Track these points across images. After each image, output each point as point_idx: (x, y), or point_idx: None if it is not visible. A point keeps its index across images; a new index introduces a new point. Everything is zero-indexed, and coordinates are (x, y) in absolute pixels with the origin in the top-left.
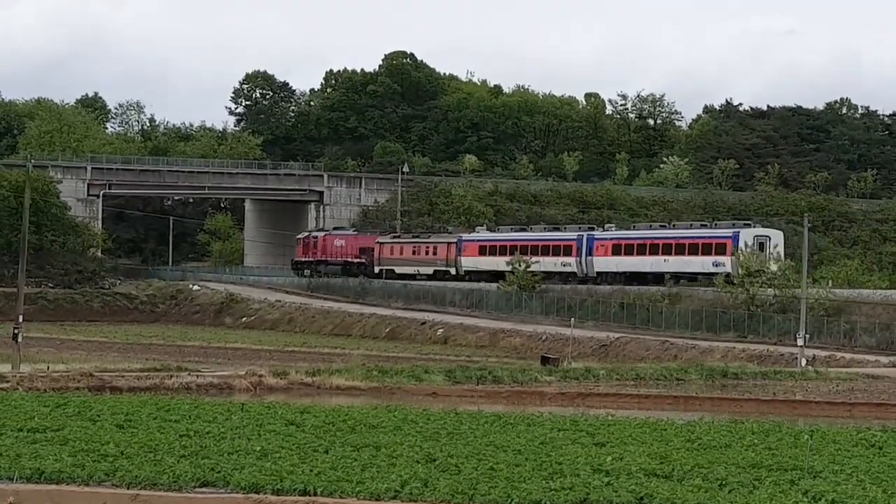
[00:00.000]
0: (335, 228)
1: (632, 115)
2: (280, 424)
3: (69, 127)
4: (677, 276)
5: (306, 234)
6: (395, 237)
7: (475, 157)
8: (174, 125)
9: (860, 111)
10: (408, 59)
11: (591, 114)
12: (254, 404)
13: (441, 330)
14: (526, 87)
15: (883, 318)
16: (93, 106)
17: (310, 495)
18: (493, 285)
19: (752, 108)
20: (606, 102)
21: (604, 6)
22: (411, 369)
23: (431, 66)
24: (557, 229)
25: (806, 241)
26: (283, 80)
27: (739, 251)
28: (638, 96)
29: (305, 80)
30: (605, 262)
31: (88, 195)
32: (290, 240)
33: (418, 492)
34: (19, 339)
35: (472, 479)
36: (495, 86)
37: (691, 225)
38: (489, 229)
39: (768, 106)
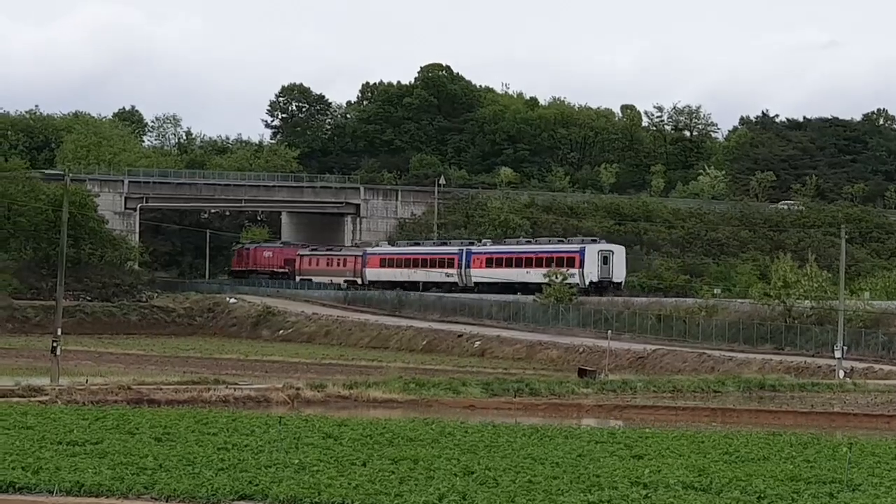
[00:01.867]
0: (265, 241)
1: (668, 127)
2: (318, 437)
3: (106, 140)
4: (538, 286)
5: (240, 245)
6: (312, 250)
7: (511, 169)
8: (210, 138)
9: None
10: (444, 72)
11: (627, 126)
12: (291, 417)
13: (478, 342)
14: (562, 99)
15: None
16: (130, 119)
17: None
18: (531, 298)
19: (788, 120)
20: (642, 114)
21: (641, 19)
22: (448, 382)
23: (467, 78)
24: (445, 244)
25: (843, 252)
26: (319, 93)
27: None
28: (674, 108)
29: (342, 92)
30: (481, 274)
31: (126, 208)
32: None
33: None
34: (58, 352)
35: (510, 492)
36: (531, 98)
37: (549, 240)
38: (390, 243)
39: (805, 117)
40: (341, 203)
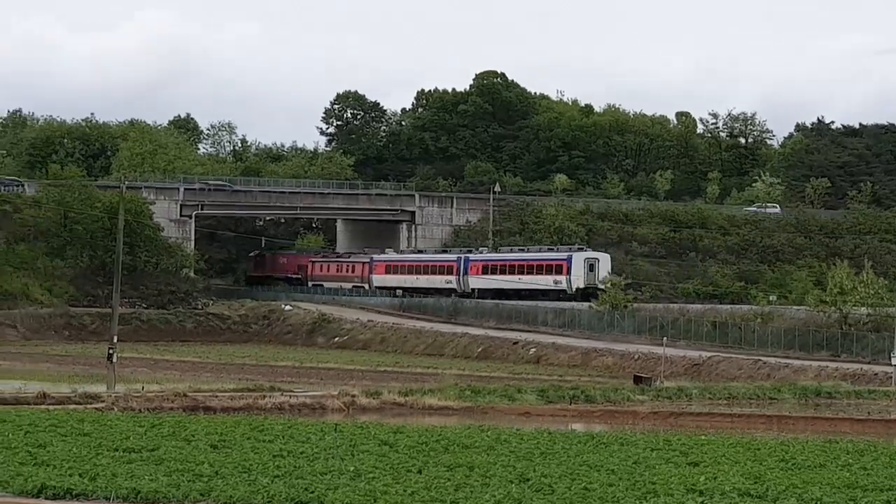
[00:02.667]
0: (281, 248)
1: (723, 134)
2: (373, 444)
3: (161, 148)
4: (530, 292)
5: (256, 253)
6: (324, 257)
7: (566, 176)
8: (265, 146)
9: None
10: (498, 79)
11: (682, 133)
12: (347, 424)
13: (533, 349)
14: (617, 106)
15: None
16: (185, 127)
17: None
18: (586, 305)
19: (844, 126)
20: (697, 121)
21: (697, 26)
22: (504, 389)
23: (522, 85)
24: (445, 252)
25: None
26: (373, 100)
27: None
28: (729, 115)
29: (397, 100)
30: (477, 281)
31: (181, 216)
32: None
33: None
34: (114, 360)
35: (565, 499)
36: (586, 105)
37: (540, 249)
38: (397, 251)
39: (861, 124)
40: (396, 210)
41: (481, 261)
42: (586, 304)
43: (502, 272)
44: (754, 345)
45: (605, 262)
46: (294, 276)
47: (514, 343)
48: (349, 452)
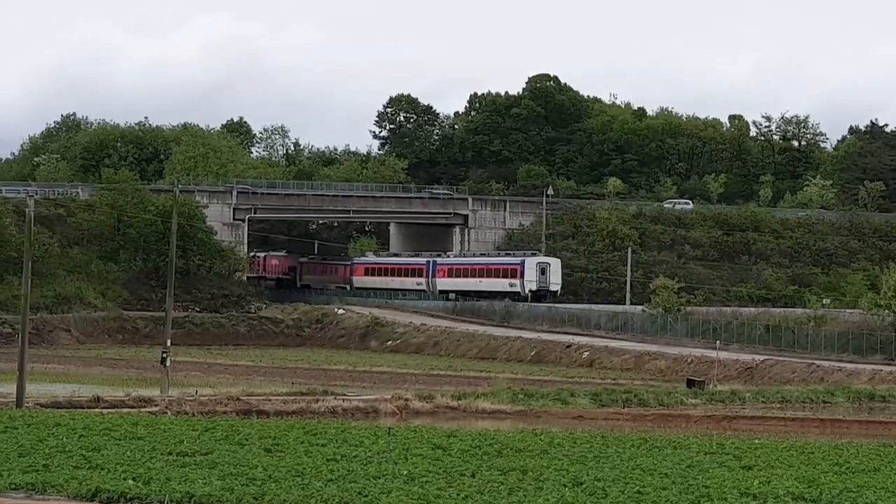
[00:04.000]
0: (272, 251)
1: (776, 137)
2: (426, 448)
3: (214, 152)
4: (490, 294)
5: (253, 254)
6: (311, 259)
7: (619, 179)
8: (318, 149)
9: None
10: (551, 82)
11: (735, 136)
12: (400, 428)
13: (586, 353)
14: (669, 109)
15: None
16: (237, 131)
17: None
18: (639, 308)
19: None
20: (750, 124)
21: (748, 30)
22: (557, 392)
23: (575, 88)
24: (418, 255)
25: None
26: (426, 104)
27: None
28: (782, 118)
29: (449, 103)
30: (444, 283)
31: (234, 219)
32: None
33: None
34: (167, 363)
35: (618, 502)
36: (639, 108)
37: (498, 254)
38: (375, 254)
39: None
40: (449, 214)
41: (447, 264)
42: (639, 308)
43: (465, 275)
44: (807, 348)
45: (556, 266)
46: (285, 276)
47: (567, 346)
48: (402, 456)
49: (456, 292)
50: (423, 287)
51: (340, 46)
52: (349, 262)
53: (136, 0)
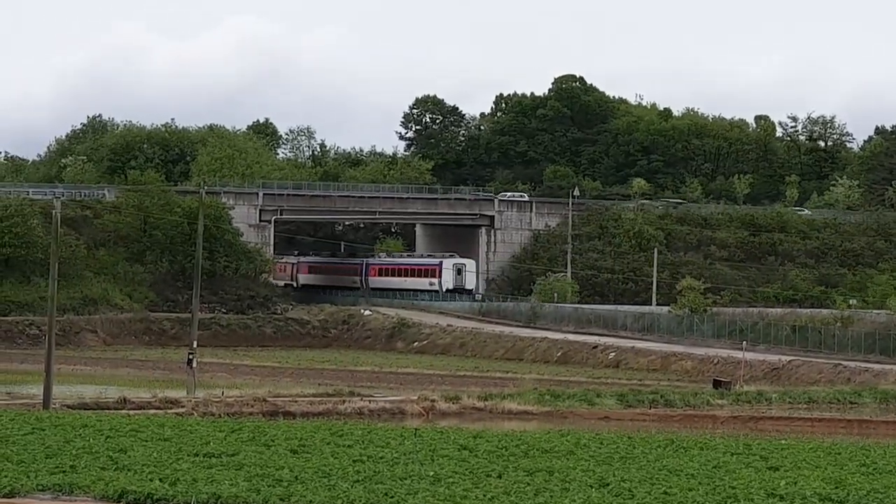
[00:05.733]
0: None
1: (802, 138)
2: (453, 449)
3: (240, 153)
4: (413, 291)
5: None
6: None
7: (645, 180)
8: (344, 150)
9: None
10: (577, 83)
11: (761, 136)
12: (426, 429)
13: (612, 353)
14: (695, 110)
15: None
16: (263, 132)
17: None
18: (665, 308)
19: None
20: (776, 125)
21: (775, 31)
22: (583, 393)
23: (601, 89)
24: (353, 256)
25: None
26: (452, 105)
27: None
28: (808, 118)
29: (475, 104)
30: (374, 281)
31: (260, 221)
32: None
33: None
34: (194, 365)
35: (645, 503)
36: (665, 109)
37: (422, 255)
38: (315, 255)
39: None
40: (475, 215)
41: (377, 264)
42: (665, 308)
43: (392, 274)
44: (834, 349)
45: (470, 266)
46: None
47: (594, 347)
48: (429, 457)
49: (385, 289)
50: (357, 284)
51: (368, 48)
52: (295, 262)
53: (170, 2)
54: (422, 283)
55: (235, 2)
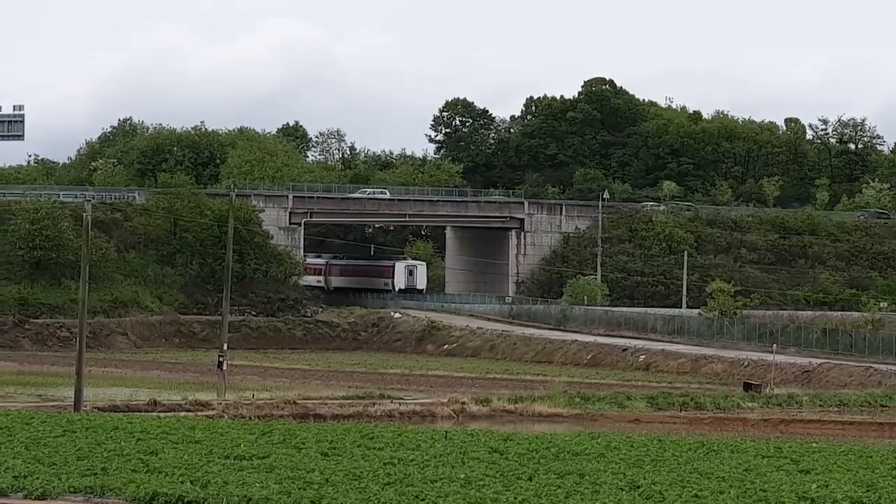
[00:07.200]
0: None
1: (832, 140)
2: (483, 452)
3: (270, 156)
4: (369, 290)
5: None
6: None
7: (675, 183)
8: (374, 153)
9: None
10: (607, 86)
11: (791, 139)
12: (457, 432)
13: (643, 356)
14: (725, 112)
15: None
16: (293, 135)
17: None
18: (695, 311)
19: None
20: (807, 128)
21: (804, 35)
22: (613, 396)
23: (630, 92)
24: (319, 257)
25: None
26: (482, 108)
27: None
28: (839, 121)
29: (505, 107)
30: (337, 280)
31: (290, 223)
32: (491, 267)
33: None
34: (224, 367)
35: None
36: (695, 112)
37: (379, 258)
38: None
39: None
40: (505, 218)
41: (339, 265)
42: (695, 311)
43: (352, 274)
44: (865, 352)
45: (422, 268)
46: None
47: (624, 350)
48: (459, 460)
49: (345, 289)
50: (322, 284)
51: (399, 51)
52: (325, 264)
53: (209, 4)
54: (377, 282)
55: (274, 5)
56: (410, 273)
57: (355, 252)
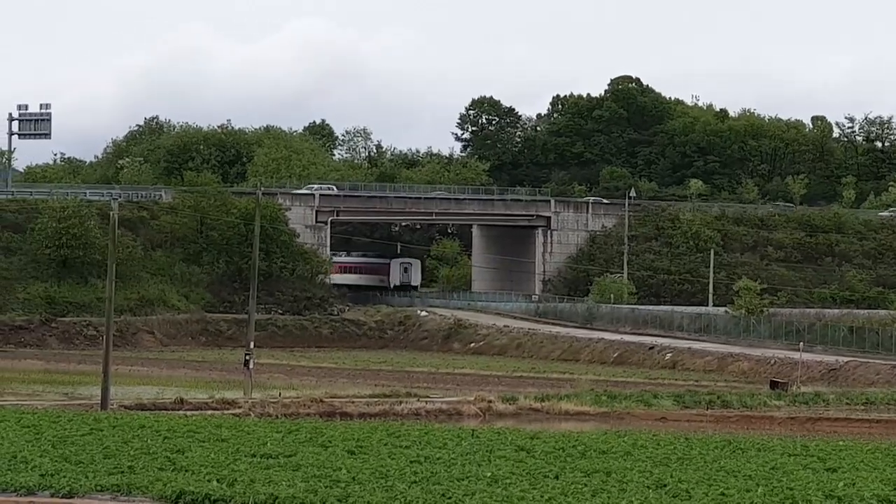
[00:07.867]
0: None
1: (859, 138)
2: (510, 450)
3: (296, 154)
4: (367, 287)
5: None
6: None
7: (701, 181)
8: (401, 151)
9: None
10: (633, 84)
11: (817, 137)
12: (483, 430)
13: (669, 354)
14: (751, 110)
15: None
16: (320, 133)
17: None
18: (722, 309)
19: None
20: (833, 126)
21: (831, 33)
22: (640, 394)
23: (657, 90)
24: (381, 256)
25: None
26: (509, 106)
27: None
28: (865, 119)
29: (532, 105)
30: (337, 278)
31: (316, 222)
32: (517, 265)
33: None
34: (251, 366)
35: None
36: (721, 110)
37: (376, 256)
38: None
39: None
40: (532, 216)
41: (339, 263)
42: (722, 309)
43: (352, 272)
44: (892, 350)
45: (416, 266)
46: None
47: (650, 348)
48: (486, 458)
49: (345, 285)
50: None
51: (425, 50)
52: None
53: (237, 4)
54: (374, 279)
55: (300, 4)
56: (405, 270)
57: (375, 250)
